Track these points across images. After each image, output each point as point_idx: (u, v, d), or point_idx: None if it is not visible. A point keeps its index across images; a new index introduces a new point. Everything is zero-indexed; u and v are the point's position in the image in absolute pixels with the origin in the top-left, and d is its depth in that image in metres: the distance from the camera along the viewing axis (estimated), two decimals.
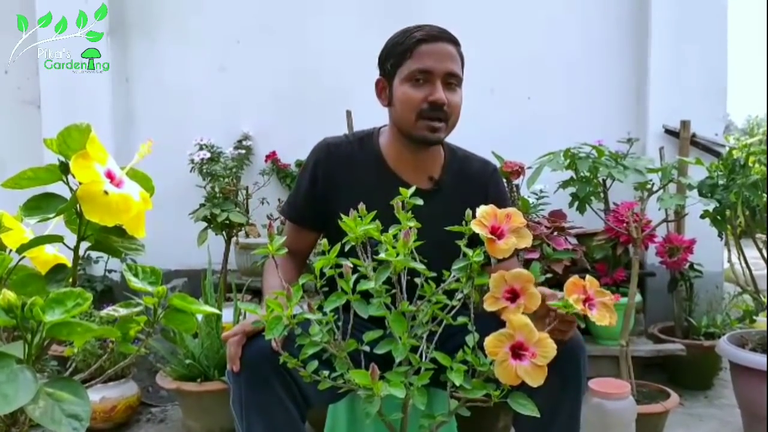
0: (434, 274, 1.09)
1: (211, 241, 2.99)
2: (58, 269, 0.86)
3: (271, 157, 3.52)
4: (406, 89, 1.52)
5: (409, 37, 1.53)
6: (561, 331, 1.23)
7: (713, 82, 3.31)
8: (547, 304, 1.13)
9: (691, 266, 3.03)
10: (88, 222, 0.82)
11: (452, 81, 1.53)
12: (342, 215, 1.11)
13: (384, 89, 1.61)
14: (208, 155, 3.19)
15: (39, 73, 3.39)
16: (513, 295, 1.06)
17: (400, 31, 1.57)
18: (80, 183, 0.78)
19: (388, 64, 1.57)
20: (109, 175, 0.80)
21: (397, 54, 1.54)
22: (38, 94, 3.43)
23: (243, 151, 3.44)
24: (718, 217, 2.28)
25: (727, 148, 2.73)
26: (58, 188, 0.85)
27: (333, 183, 1.61)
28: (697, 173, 2.66)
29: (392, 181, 1.58)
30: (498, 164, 2.80)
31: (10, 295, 0.69)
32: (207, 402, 2.42)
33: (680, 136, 3.20)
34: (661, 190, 2.27)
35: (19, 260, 0.89)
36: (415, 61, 1.51)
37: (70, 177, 0.81)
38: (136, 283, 0.86)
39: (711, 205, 2.24)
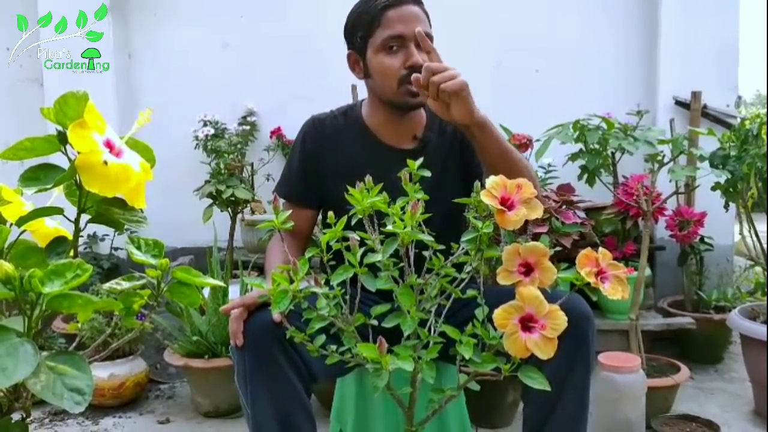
0: (443, 247, 1.07)
1: (216, 218, 2.97)
2: (59, 242, 0.84)
3: (276, 132, 3.48)
4: (381, 58, 1.51)
5: (373, 6, 1.50)
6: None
7: (724, 52, 3.24)
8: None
9: (702, 239, 3.00)
10: (88, 193, 0.80)
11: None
12: (345, 188, 1.09)
13: (357, 62, 1.59)
14: (213, 131, 3.16)
15: (40, 51, 3.36)
16: (527, 269, 1.03)
17: (361, 1, 1.55)
18: (79, 153, 0.76)
19: (357, 36, 1.55)
20: (108, 145, 0.78)
21: (364, 24, 1.52)
22: (40, 71, 3.41)
23: (247, 127, 3.41)
24: (731, 189, 2.25)
25: (739, 119, 2.69)
26: (57, 159, 0.83)
27: (322, 157, 1.62)
28: (708, 145, 2.62)
29: (378, 148, 1.61)
30: (506, 137, 2.77)
31: (7, 266, 0.67)
32: (215, 378, 2.43)
33: (691, 107, 3.15)
34: (672, 162, 2.23)
35: (20, 234, 0.87)
36: (384, 29, 1.49)
37: (68, 147, 0.79)
38: (138, 255, 0.84)
39: (723, 177, 2.21)
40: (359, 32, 1.54)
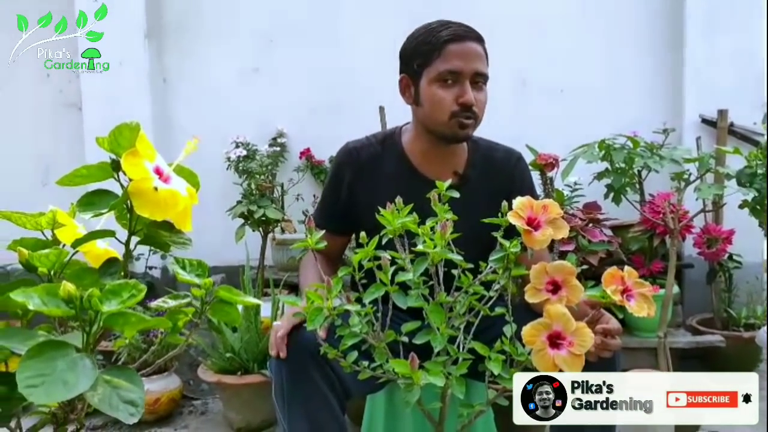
0: (471, 265, 1.10)
1: (248, 237, 3.03)
2: (111, 263, 0.90)
3: (306, 153, 3.56)
4: (435, 90, 1.52)
5: (435, 36, 1.52)
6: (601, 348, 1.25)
7: (751, 69, 3.23)
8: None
9: (730, 257, 2.98)
10: (138, 217, 0.86)
11: (479, 80, 1.53)
12: (376, 213, 1.12)
13: (408, 87, 1.60)
14: (244, 153, 3.23)
15: (80, 77, 3.49)
16: (554, 287, 1.06)
17: (424, 30, 1.57)
18: (131, 179, 0.82)
19: (415, 63, 1.56)
20: (158, 172, 0.84)
21: (423, 53, 1.53)
22: (79, 96, 3.53)
23: (278, 149, 3.49)
24: (758, 207, 2.25)
25: (766, 137, 2.68)
26: (107, 185, 0.89)
27: (360, 186, 1.63)
28: (734, 163, 2.62)
29: (417, 180, 1.60)
30: (532, 156, 2.80)
31: (70, 286, 0.73)
32: (247, 395, 2.47)
33: (717, 125, 3.15)
34: (699, 180, 2.24)
35: (73, 254, 0.93)
36: (443, 62, 1.51)
37: (120, 174, 0.85)
38: (184, 275, 0.89)
39: (750, 195, 2.21)
40: (417, 60, 1.55)
